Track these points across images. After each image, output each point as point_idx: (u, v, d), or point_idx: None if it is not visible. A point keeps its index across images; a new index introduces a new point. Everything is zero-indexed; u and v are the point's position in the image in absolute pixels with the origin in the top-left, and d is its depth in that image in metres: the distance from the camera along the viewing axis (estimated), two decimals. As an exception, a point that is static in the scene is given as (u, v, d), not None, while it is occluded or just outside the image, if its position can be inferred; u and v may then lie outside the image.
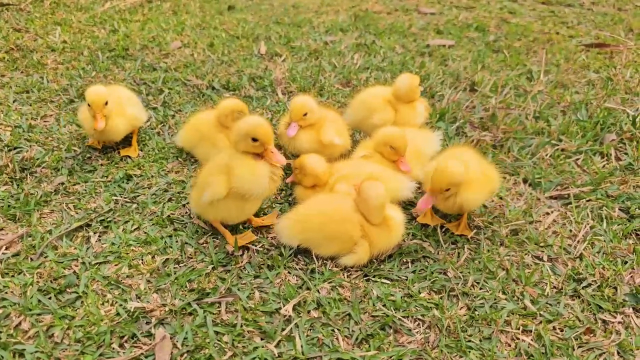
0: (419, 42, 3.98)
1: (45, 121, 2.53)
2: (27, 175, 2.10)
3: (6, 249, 1.74)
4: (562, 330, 1.56)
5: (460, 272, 1.75)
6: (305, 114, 2.10)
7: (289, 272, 1.72)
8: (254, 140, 1.69)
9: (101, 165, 2.21)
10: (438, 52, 3.76)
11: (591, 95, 3.01)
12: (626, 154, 2.45)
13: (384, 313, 1.57)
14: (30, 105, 2.65)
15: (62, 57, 3.26)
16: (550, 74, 3.36)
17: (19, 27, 3.67)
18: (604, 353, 1.49)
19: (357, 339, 1.49)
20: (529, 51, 3.86)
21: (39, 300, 1.54)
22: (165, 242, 1.81)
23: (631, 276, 1.76)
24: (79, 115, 2.26)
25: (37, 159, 2.18)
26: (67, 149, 2.28)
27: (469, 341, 1.50)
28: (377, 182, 1.75)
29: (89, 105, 2.06)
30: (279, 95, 2.94)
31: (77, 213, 1.93)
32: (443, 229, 1.94)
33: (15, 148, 2.26)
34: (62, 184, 2.07)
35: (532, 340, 1.52)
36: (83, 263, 1.69)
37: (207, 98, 2.87)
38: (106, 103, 2.08)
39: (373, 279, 1.71)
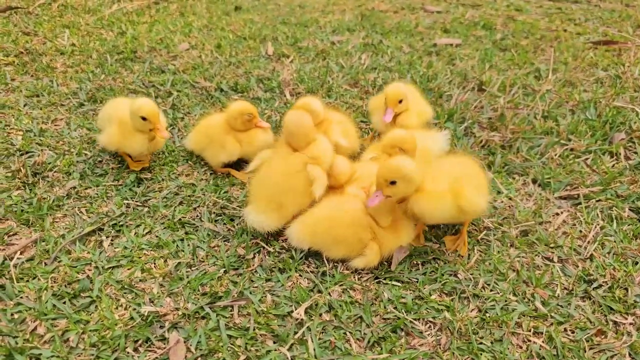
0: (426, 41, 3.97)
1: (56, 125, 2.55)
2: (39, 179, 2.12)
3: (20, 253, 1.76)
4: (573, 332, 1.56)
5: (471, 274, 1.76)
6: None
7: (300, 275, 1.73)
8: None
9: (112, 169, 2.23)
10: (445, 51, 3.76)
11: (600, 93, 3.00)
12: (636, 153, 2.44)
13: (396, 315, 1.58)
14: (41, 109, 2.68)
15: (71, 60, 3.28)
16: (558, 72, 3.35)
17: (27, 30, 3.70)
18: (615, 355, 1.49)
19: (369, 341, 1.50)
20: (537, 49, 3.84)
21: (54, 305, 1.56)
22: (177, 245, 1.83)
23: (642, 277, 1.76)
24: (108, 138, 2.12)
25: (49, 163, 2.20)
26: (78, 153, 2.30)
27: (480, 343, 1.50)
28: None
29: (143, 118, 2.01)
30: (287, 97, 2.95)
31: (89, 217, 1.94)
32: (454, 230, 1.95)
33: (27, 152, 2.28)
34: (74, 188, 2.09)
35: (543, 342, 1.52)
36: (96, 267, 1.71)
37: (215, 100, 2.89)
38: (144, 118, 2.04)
39: (384, 281, 1.72)
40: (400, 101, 2.19)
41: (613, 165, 2.36)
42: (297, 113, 1.91)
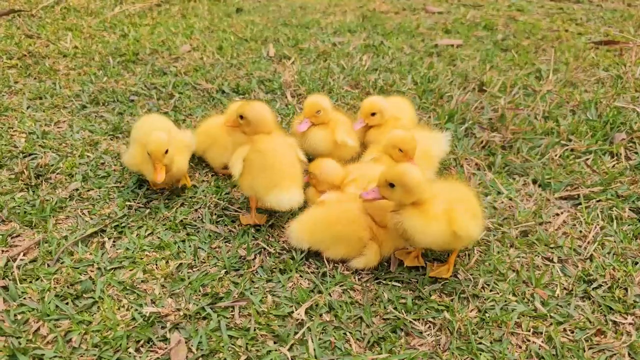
0: (427, 42, 3.98)
1: (58, 127, 2.57)
2: (42, 181, 2.14)
3: (24, 255, 1.77)
4: (572, 332, 1.57)
5: (471, 274, 1.76)
6: (318, 112, 2.13)
7: (300, 276, 1.74)
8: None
9: (114, 171, 2.24)
10: (446, 52, 3.77)
11: (601, 93, 3.01)
12: (636, 153, 2.45)
13: (395, 316, 1.59)
14: (44, 111, 2.69)
15: (73, 62, 3.30)
16: (559, 72, 3.35)
17: (30, 33, 3.72)
18: (614, 354, 1.50)
19: (368, 342, 1.51)
20: (538, 49, 3.85)
21: (57, 306, 1.57)
22: (179, 246, 1.84)
23: (642, 277, 1.76)
24: (128, 159, 2.06)
25: (52, 165, 2.22)
26: (81, 155, 2.32)
27: (480, 343, 1.51)
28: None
29: (148, 154, 1.93)
30: (288, 98, 2.97)
31: (91, 219, 1.96)
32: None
33: (30, 154, 2.30)
34: (77, 190, 2.10)
35: (542, 342, 1.53)
36: (99, 268, 1.72)
37: (217, 102, 2.90)
38: (166, 151, 1.91)
39: (384, 281, 1.73)
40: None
41: (613, 166, 2.36)
42: (260, 104, 1.95)
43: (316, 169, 1.95)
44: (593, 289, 1.71)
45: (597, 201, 2.13)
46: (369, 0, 5.26)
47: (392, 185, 1.62)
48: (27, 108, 2.71)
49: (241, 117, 1.92)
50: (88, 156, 2.33)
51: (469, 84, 3.15)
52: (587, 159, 2.39)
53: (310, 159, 2.09)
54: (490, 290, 1.71)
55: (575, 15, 4.81)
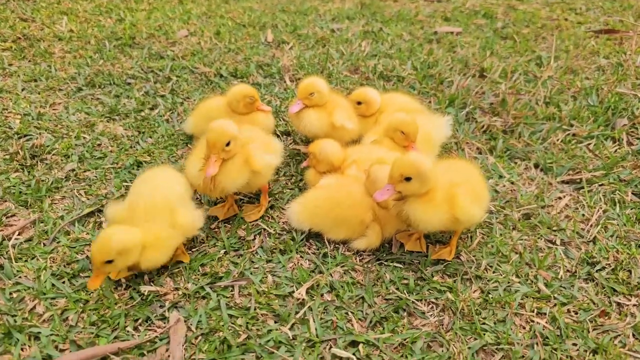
0: (426, 30, 3.95)
1: (54, 109, 2.53)
2: (37, 162, 2.10)
3: (19, 234, 1.74)
4: (576, 313, 1.55)
5: (473, 256, 1.74)
6: (311, 94, 2.09)
7: (301, 257, 1.72)
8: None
9: (111, 152, 2.21)
10: (446, 39, 3.73)
11: (601, 80, 2.99)
12: (638, 138, 2.43)
13: (398, 296, 1.57)
14: (39, 93, 2.65)
15: (69, 45, 3.25)
16: (559, 59, 3.33)
17: (25, 17, 3.66)
18: (619, 335, 1.48)
19: (370, 321, 1.49)
20: (538, 37, 3.82)
21: (53, 285, 1.54)
22: (177, 227, 1.80)
23: (645, 259, 1.75)
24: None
25: (47, 146, 2.18)
26: (77, 137, 2.28)
27: (483, 324, 1.49)
28: (386, 166, 1.74)
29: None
30: (287, 83, 2.93)
31: (88, 199, 1.93)
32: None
33: (25, 135, 2.26)
34: (73, 170, 2.07)
35: (546, 322, 1.51)
36: (95, 248, 1.69)
37: (214, 85, 2.86)
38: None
39: (386, 262, 1.71)
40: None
41: (615, 151, 2.34)
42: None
43: (315, 149, 1.92)
44: (596, 271, 1.70)
45: (600, 185, 2.11)
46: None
47: (407, 179, 1.55)
48: (22, 90, 2.67)
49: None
50: (84, 137, 2.29)
51: (469, 70, 3.12)
52: (589, 144, 2.37)
53: (309, 141, 2.07)
54: (493, 272, 1.69)
55: (575, 5, 4.78)
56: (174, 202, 1.58)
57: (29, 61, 3.02)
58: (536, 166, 2.25)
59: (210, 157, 1.65)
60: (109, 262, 1.40)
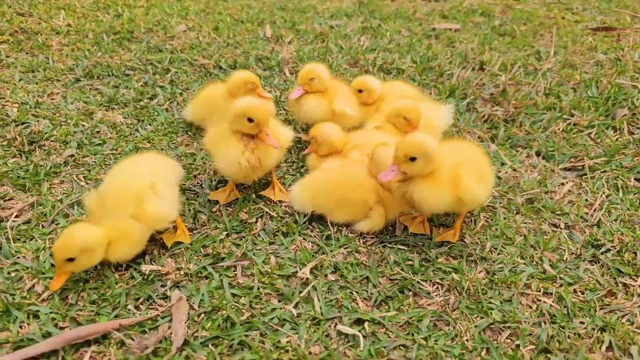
0: (425, 26, 3.96)
1: (52, 99, 2.50)
2: (35, 148, 2.07)
3: (16, 216, 1.71)
4: (583, 293, 1.54)
5: (478, 239, 1.73)
6: (312, 79, 2.08)
7: (304, 239, 1.69)
8: (250, 120, 1.67)
9: (110, 138, 2.18)
10: (444, 35, 3.74)
11: (600, 74, 2.99)
12: (639, 128, 2.43)
13: (402, 276, 1.55)
14: (37, 83, 2.62)
15: (66, 39, 3.23)
16: (558, 55, 3.33)
17: (22, 11, 3.64)
18: (626, 314, 1.46)
19: (375, 300, 1.47)
20: (536, 34, 3.84)
21: (52, 265, 1.51)
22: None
23: (650, 242, 1.74)
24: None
25: (45, 133, 2.15)
26: (75, 124, 2.26)
27: (490, 303, 1.47)
28: (389, 147, 1.73)
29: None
30: (286, 75, 2.92)
31: (87, 184, 1.90)
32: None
33: (23, 123, 2.23)
34: (72, 156, 2.04)
35: (553, 302, 1.49)
36: (95, 230, 1.66)
37: (214, 77, 2.85)
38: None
39: (389, 245, 1.69)
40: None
41: (617, 139, 2.34)
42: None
43: (316, 132, 1.91)
44: (602, 253, 1.69)
45: (602, 172, 2.10)
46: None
47: (412, 159, 1.53)
48: (19, 80, 2.64)
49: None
50: (83, 125, 2.27)
51: (468, 63, 3.12)
52: (590, 133, 2.37)
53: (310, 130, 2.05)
54: (498, 254, 1.67)
55: (571, 5, 4.81)
56: (142, 193, 1.51)
57: (27, 53, 2.99)
58: (538, 154, 2.24)
59: (262, 130, 1.70)
60: (71, 260, 1.37)
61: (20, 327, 1.33)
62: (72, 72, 2.77)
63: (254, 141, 1.72)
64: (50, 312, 1.36)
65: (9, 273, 1.47)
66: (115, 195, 1.49)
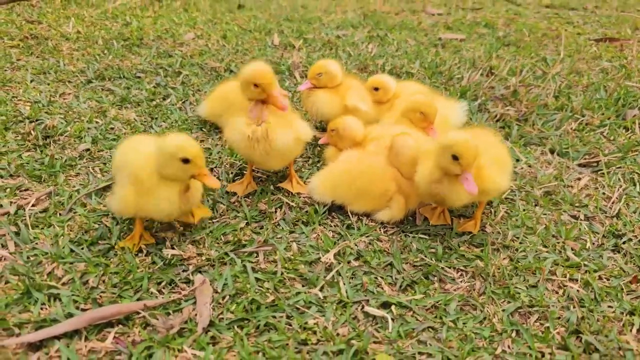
0: (430, 36, 4.00)
1: (64, 98, 2.50)
2: (50, 142, 2.06)
3: (33, 205, 1.69)
4: (608, 279, 1.52)
5: (499, 229, 1.72)
6: (319, 74, 2.09)
7: (324, 228, 1.68)
8: (256, 86, 1.66)
9: (124, 134, 2.18)
10: (450, 44, 3.78)
11: (607, 79, 3.02)
12: (650, 127, 2.44)
13: (426, 263, 1.53)
14: (48, 84, 2.63)
15: (76, 44, 3.25)
16: (564, 62, 3.36)
17: (32, 19, 3.67)
18: (654, 299, 1.45)
19: (401, 285, 1.45)
20: (540, 44, 3.88)
21: (72, 250, 1.49)
22: (196, 200, 1.77)
23: (672, 231, 1.73)
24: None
25: (59, 129, 2.15)
26: (89, 120, 2.25)
27: (516, 288, 1.46)
28: (409, 136, 1.73)
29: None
30: (297, 78, 2.93)
31: (103, 176, 1.89)
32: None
33: (36, 120, 2.23)
34: (87, 150, 2.03)
35: (579, 287, 1.47)
36: (114, 218, 1.65)
37: (225, 80, 2.85)
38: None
39: (411, 234, 1.67)
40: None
41: (630, 137, 2.34)
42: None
43: (339, 125, 1.91)
44: (624, 242, 1.67)
45: (617, 167, 2.10)
46: (369, 2, 5.30)
47: (455, 158, 1.48)
48: (31, 81, 2.64)
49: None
50: (97, 122, 2.26)
51: (476, 69, 3.15)
52: (603, 131, 2.38)
53: (322, 126, 2.05)
54: (520, 242, 1.66)
55: (572, 19, 4.88)
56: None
57: (37, 57, 3.00)
58: (552, 151, 2.24)
59: (272, 93, 1.67)
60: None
61: (41, 308, 1.30)
62: (84, 74, 2.78)
63: (264, 114, 1.70)
64: (72, 295, 1.34)
65: (28, 257, 1.45)
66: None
